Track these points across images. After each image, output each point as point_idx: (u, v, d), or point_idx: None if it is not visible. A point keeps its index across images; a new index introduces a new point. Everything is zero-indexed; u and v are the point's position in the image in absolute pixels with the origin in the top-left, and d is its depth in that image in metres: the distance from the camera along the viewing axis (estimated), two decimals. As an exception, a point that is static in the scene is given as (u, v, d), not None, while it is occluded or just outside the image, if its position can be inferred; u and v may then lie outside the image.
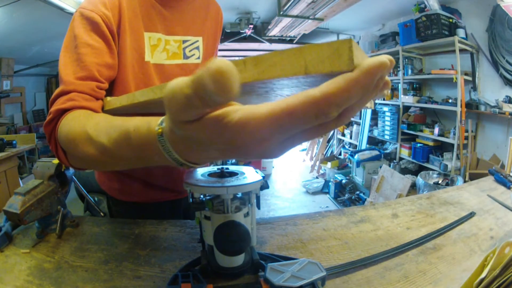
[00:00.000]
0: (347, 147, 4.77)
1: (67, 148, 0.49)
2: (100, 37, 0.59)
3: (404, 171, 3.27)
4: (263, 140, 0.21)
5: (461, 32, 2.73)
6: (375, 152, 3.63)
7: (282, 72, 0.20)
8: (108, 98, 0.58)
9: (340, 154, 4.82)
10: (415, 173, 3.11)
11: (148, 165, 0.35)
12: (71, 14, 2.73)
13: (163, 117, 0.28)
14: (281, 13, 3.22)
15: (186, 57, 0.75)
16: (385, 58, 0.19)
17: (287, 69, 0.20)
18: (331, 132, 5.16)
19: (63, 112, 0.51)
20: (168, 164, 0.30)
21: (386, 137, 3.74)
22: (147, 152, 0.31)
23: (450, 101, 2.89)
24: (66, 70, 0.56)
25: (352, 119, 4.66)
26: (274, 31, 4.04)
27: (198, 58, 0.77)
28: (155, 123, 0.29)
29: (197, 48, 0.77)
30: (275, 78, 0.21)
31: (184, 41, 0.74)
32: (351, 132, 4.65)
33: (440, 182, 2.73)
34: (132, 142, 0.32)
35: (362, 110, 4.17)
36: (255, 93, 0.31)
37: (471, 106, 2.71)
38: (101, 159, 0.40)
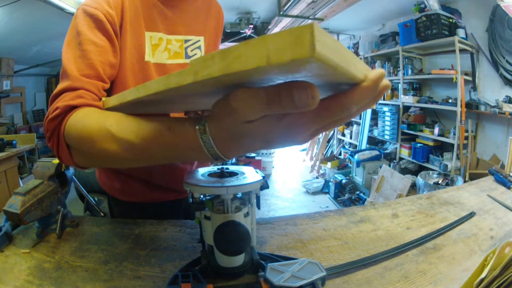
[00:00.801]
0: (347, 147, 4.77)
1: (78, 145, 0.47)
2: (104, 35, 0.58)
3: (404, 171, 3.27)
4: (306, 129, 0.27)
5: (461, 32, 2.73)
6: (375, 152, 3.63)
7: (246, 64, 0.19)
8: (104, 99, 0.57)
9: (340, 154, 4.82)
10: (415, 173, 3.11)
11: (172, 162, 0.41)
12: (71, 14, 2.73)
13: (201, 118, 0.32)
14: (281, 13, 3.22)
15: (188, 56, 0.75)
16: (382, 70, 0.26)
17: (250, 60, 0.19)
18: (331, 132, 5.17)
19: (71, 108, 0.49)
20: (199, 159, 0.34)
21: (386, 137, 3.73)
22: (179, 148, 0.35)
23: (450, 101, 2.89)
24: (71, 65, 0.54)
25: (352, 119, 4.67)
26: (274, 31, 4.03)
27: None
28: (192, 123, 0.32)
29: (199, 47, 0.77)
30: (240, 70, 0.20)
31: (186, 41, 0.74)
32: (351, 132, 4.65)
33: (440, 182, 2.73)
34: (165, 139, 0.35)
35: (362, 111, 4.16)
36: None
37: (471, 106, 2.71)
38: (124, 155, 0.40)
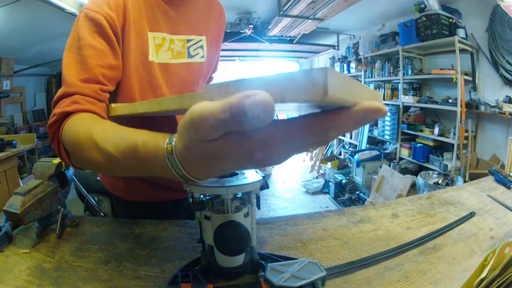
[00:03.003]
0: (347, 147, 4.76)
1: (71, 150, 0.50)
2: (104, 39, 0.59)
3: (404, 171, 3.27)
4: (276, 150, 0.24)
5: (461, 32, 2.73)
6: (375, 152, 3.63)
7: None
8: (113, 105, 0.59)
9: (340, 154, 4.82)
10: (415, 173, 3.11)
11: (152, 175, 0.36)
12: (71, 14, 2.73)
13: (171, 135, 0.30)
14: (281, 13, 3.22)
15: (190, 56, 0.75)
16: (380, 104, 0.22)
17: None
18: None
19: (67, 114, 0.52)
20: (171, 178, 0.31)
21: (386, 137, 3.73)
22: (152, 166, 0.33)
23: (450, 101, 2.89)
24: (69, 71, 0.56)
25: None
26: (274, 31, 4.04)
27: (203, 57, 0.78)
28: (164, 140, 0.30)
29: (201, 47, 0.77)
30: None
31: (188, 40, 0.74)
32: (351, 132, 4.65)
33: (440, 182, 2.73)
34: (139, 155, 0.34)
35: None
36: None
37: (471, 106, 2.71)
38: (106, 165, 0.41)
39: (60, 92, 0.55)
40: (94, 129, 0.44)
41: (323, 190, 4.05)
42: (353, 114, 0.22)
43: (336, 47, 4.93)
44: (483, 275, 0.41)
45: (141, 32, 0.65)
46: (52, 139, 0.53)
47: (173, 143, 0.29)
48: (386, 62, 3.87)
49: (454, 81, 2.72)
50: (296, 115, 0.24)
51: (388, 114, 3.66)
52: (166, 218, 0.75)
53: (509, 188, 0.96)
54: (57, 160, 0.68)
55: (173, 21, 0.70)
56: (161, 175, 0.33)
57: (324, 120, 0.22)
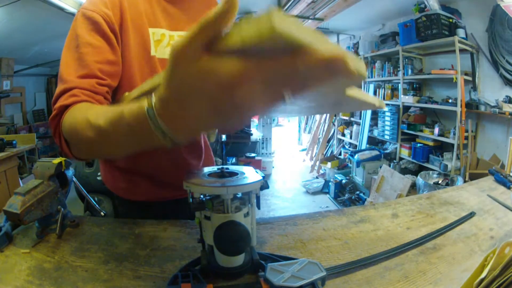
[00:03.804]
0: (347, 147, 4.76)
1: (70, 138, 0.52)
2: (101, 36, 0.61)
3: (404, 171, 3.27)
4: (252, 87, 0.25)
5: (461, 32, 2.73)
6: (375, 152, 3.63)
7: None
8: (126, 93, 0.60)
9: (340, 154, 4.82)
10: (415, 173, 3.11)
11: (139, 148, 0.39)
12: (71, 14, 2.73)
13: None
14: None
15: None
16: (343, 56, 0.22)
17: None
18: (331, 132, 5.17)
19: (66, 107, 0.54)
20: (156, 143, 0.33)
21: (386, 137, 3.73)
22: (137, 129, 0.35)
23: (450, 101, 2.89)
24: (68, 69, 0.58)
25: (352, 118, 4.67)
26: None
27: None
28: (145, 101, 0.32)
29: None
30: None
31: None
32: (351, 132, 4.65)
33: (440, 182, 2.73)
34: (125, 120, 0.36)
35: (362, 111, 4.17)
36: None
37: (471, 106, 2.71)
38: (97, 140, 0.43)
39: (58, 89, 0.57)
40: (89, 112, 0.46)
41: (323, 190, 4.06)
42: (313, 57, 0.22)
43: (336, 47, 4.92)
44: (483, 275, 0.41)
45: (141, 28, 0.68)
46: (54, 133, 0.55)
47: (153, 97, 0.31)
48: (386, 62, 3.87)
49: (454, 81, 2.72)
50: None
51: (388, 114, 3.66)
52: (168, 218, 0.75)
53: (509, 188, 0.96)
54: (57, 160, 0.69)
55: (172, 18, 0.73)
56: (145, 141, 0.36)
57: (290, 58, 0.23)
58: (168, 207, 0.85)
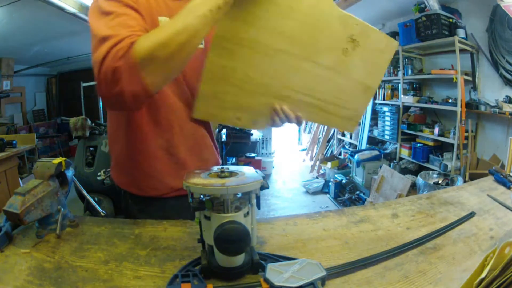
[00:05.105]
0: (347, 147, 4.76)
1: (152, 57, 0.54)
2: (135, 11, 0.64)
3: (404, 171, 3.27)
4: None
5: (461, 32, 2.73)
6: (375, 152, 3.63)
7: None
8: None
9: (340, 154, 4.82)
10: (415, 173, 3.10)
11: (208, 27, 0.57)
12: (71, 14, 2.73)
13: None
14: (281, 13, 3.21)
15: None
16: None
17: None
18: (331, 132, 5.16)
19: (131, 44, 0.54)
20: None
21: (386, 137, 3.73)
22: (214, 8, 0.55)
23: (450, 101, 2.89)
24: (112, 30, 0.57)
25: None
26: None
27: (201, 44, 0.82)
28: None
29: None
30: None
31: None
32: (351, 132, 4.64)
33: (440, 182, 2.73)
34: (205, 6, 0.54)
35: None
36: None
37: (471, 106, 2.71)
38: (188, 41, 0.55)
39: (107, 46, 0.54)
40: (168, 25, 0.56)
41: (323, 190, 4.05)
42: None
43: (336, 47, 4.92)
44: (483, 275, 0.41)
45: (151, 15, 0.71)
46: (117, 78, 0.53)
47: None
48: (386, 62, 3.86)
49: (454, 81, 2.72)
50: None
51: (388, 114, 3.66)
52: (181, 214, 0.75)
53: (509, 188, 0.96)
54: (57, 160, 0.69)
55: (172, 11, 0.75)
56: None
57: None
58: (184, 202, 0.85)
